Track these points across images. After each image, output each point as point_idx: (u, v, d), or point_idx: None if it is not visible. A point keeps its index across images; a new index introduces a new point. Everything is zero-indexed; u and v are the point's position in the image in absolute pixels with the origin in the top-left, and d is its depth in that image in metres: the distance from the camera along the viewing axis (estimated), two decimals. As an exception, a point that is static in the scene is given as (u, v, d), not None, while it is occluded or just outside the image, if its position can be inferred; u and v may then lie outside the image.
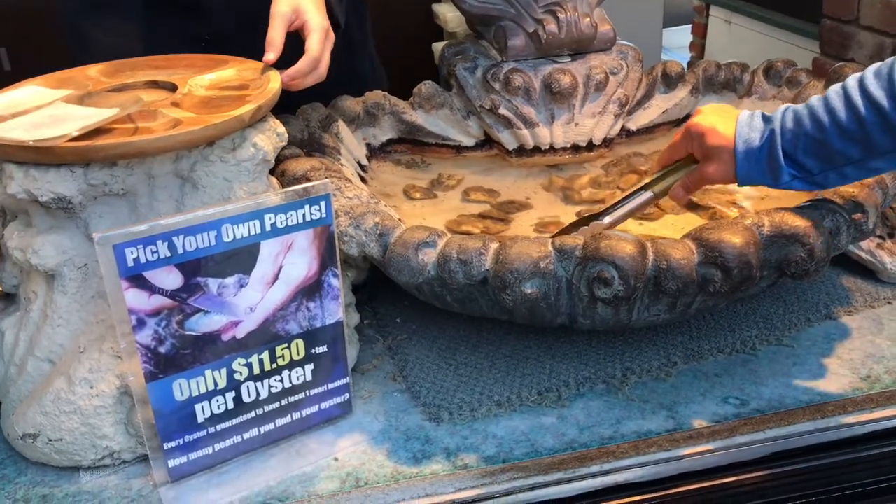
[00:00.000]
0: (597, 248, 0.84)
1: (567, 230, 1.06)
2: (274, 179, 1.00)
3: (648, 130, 1.35)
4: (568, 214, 1.15)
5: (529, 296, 0.85)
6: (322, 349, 0.90)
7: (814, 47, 2.22)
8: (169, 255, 0.77)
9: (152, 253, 0.76)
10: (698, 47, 3.40)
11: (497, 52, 1.29)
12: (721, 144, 0.90)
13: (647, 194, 1.02)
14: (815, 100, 0.85)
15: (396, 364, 1.04)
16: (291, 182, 1.00)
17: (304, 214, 0.84)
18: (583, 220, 1.05)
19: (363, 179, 1.20)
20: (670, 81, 1.35)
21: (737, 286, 0.85)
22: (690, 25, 3.47)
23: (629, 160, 1.29)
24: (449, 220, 1.13)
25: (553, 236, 0.96)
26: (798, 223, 0.87)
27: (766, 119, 0.89)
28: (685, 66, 1.37)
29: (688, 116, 1.38)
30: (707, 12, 3.31)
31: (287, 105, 1.06)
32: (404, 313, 1.13)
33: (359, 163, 1.22)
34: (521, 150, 1.27)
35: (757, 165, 0.88)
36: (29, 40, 2.61)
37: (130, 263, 0.76)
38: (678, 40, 3.87)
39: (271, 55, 1.01)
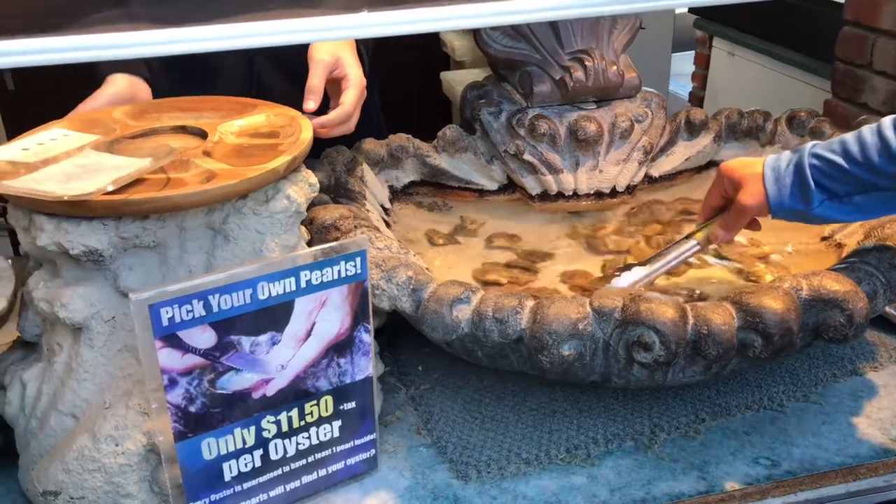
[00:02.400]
0: (637, 312, 0.83)
1: (607, 277, 1.07)
2: (303, 228, 0.98)
3: (670, 177, 1.35)
4: (593, 264, 1.14)
5: (567, 357, 0.84)
6: (351, 405, 0.88)
7: (816, 82, 2.24)
8: (204, 313, 0.75)
9: (187, 312, 0.75)
10: (700, 77, 3.41)
11: (521, 97, 1.28)
12: (750, 172, 0.95)
13: (691, 243, 1.04)
14: (850, 136, 0.89)
15: (420, 416, 1.02)
16: (320, 230, 0.99)
17: (339, 271, 0.82)
18: (624, 268, 1.06)
19: (386, 223, 1.18)
20: (693, 129, 1.34)
21: (777, 352, 0.84)
22: (693, 53, 3.48)
23: (651, 208, 1.28)
24: (475, 270, 1.12)
25: (602, 276, 0.98)
26: (837, 287, 0.86)
27: (794, 150, 0.94)
28: (707, 113, 1.37)
29: (710, 163, 1.38)
30: (710, 43, 3.32)
31: None
32: (426, 360, 1.11)
33: (382, 206, 1.21)
34: (545, 196, 1.26)
35: (788, 188, 0.91)
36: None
37: (165, 323, 0.74)
38: (683, 67, 3.87)
39: (311, 103, 0.99)
